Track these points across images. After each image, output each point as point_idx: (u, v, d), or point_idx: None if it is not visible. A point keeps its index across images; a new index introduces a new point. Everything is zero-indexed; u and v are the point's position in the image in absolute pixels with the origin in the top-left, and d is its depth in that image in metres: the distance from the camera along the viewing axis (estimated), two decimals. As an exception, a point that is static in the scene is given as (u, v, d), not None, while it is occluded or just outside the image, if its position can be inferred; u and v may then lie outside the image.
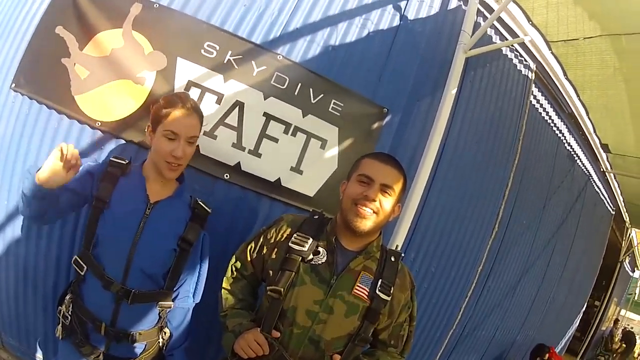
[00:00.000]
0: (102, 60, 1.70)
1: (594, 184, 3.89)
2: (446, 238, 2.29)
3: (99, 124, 1.69)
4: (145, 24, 1.72)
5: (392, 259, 1.27)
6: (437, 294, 2.39)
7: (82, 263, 1.25)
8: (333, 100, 1.80)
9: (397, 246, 1.35)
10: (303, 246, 1.20)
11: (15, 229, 1.75)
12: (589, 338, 6.24)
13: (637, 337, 8.26)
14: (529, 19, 2.43)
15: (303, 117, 1.76)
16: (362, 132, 1.86)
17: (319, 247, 1.22)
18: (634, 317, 12.99)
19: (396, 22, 2.03)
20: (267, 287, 1.20)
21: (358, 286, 1.18)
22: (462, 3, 2.29)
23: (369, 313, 1.18)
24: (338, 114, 1.81)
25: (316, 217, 1.29)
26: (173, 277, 1.32)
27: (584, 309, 5.22)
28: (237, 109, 1.70)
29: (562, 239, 3.56)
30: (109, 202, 1.25)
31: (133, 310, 1.27)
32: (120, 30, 1.72)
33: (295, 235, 1.23)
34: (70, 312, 1.28)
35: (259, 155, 1.72)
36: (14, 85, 1.73)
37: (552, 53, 2.65)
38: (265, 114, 1.73)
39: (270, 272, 1.24)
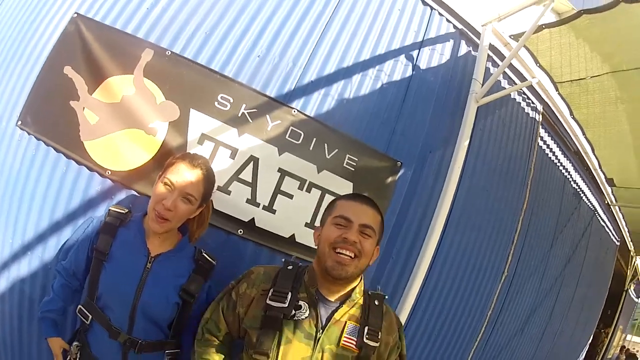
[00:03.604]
0: (112, 107, 1.70)
1: (599, 218, 4.00)
2: (457, 286, 2.34)
3: (109, 172, 1.68)
4: (156, 72, 1.74)
5: (376, 302, 1.27)
6: (447, 340, 2.43)
7: (86, 312, 1.30)
8: (347, 155, 1.85)
9: (378, 288, 1.34)
10: (283, 302, 1.17)
11: (20, 268, 1.74)
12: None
13: (640, 360, 8.31)
14: (536, 61, 2.51)
15: (318, 172, 1.81)
16: (377, 186, 1.91)
17: (300, 301, 1.19)
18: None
19: (409, 72, 2.11)
20: (252, 351, 1.16)
21: (345, 337, 1.18)
22: (471, 49, 2.39)
23: None
24: (352, 169, 1.86)
25: (290, 267, 1.26)
26: (177, 327, 1.38)
27: (590, 340, 5.27)
28: (251, 164, 1.74)
29: (569, 275, 3.64)
30: (108, 255, 1.30)
31: (141, 359, 1.32)
32: (131, 77, 1.73)
33: (272, 291, 1.19)
34: (77, 358, 1.32)
35: (274, 212, 1.76)
36: (20, 123, 1.74)
37: (558, 93, 2.74)
38: (280, 170, 1.77)
39: (251, 333, 1.20)
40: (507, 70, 2.49)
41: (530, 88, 2.70)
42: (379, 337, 1.20)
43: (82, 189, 1.70)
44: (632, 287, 6.45)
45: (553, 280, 3.34)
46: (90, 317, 1.30)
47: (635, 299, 8.47)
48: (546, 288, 3.27)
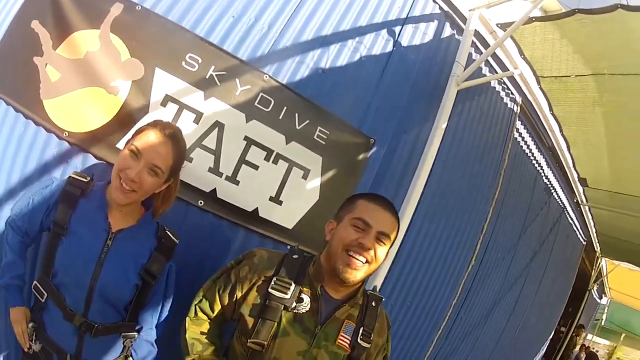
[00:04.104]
0: (75, 63, 1.59)
1: (567, 216, 4.10)
2: (424, 271, 2.34)
3: (67, 134, 1.57)
4: (124, 28, 1.62)
5: (373, 304, 1.27)
6: (412, 326, 2.45)
7: (42, 290, 1.21)
8: (319, 128, 1.79)
9: (375, 287, 1.35)
10: (285, 293, 1.15)
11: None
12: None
13: (600, 360, 8.74)
14: (521, 53, 2.50)
15: (286, 143, 1.74)
16: (347, 163, 1.86)
17: (302, 294, 1.17)
18: (602, 341, 13.78)
19: (389, 47, 2.05)
20: (247, 340, 1.14)
21: (342, 336, 1.18)
22: (455, 32, 2.35)
23: None
24: (323, 143, 1.80)
25: (296, 256, 1.24)
26: (135, 309, 1.30)
27: (551, 335, 5.48)
28: (216, 130, 1.65)
29: (535, 269, 3.73)
30: (67, 229, 1.20)
31: (97, 342, 1.25)
32: (97, 32, 1.61)
33: (275, 280, 1.17)
34: (34, 341, 1.24)
35: (237, 183, 1.68)
36: None
37: (540, 88, 2.75)
38: (246, 138, 1.69)
39: (248, 319, 1.17)
40: (490, 58, 2.47)
41: (511, 79, 2.70)
42: (371, 338, 1.21)
43: (39, 152, 1.58)
44: (595, 288, 6.72)
45: (518, 273, 3.42)
46: (46, 295, 1.21)
47: (598, 300, 8.88)
48: (511, 280, 3.34)
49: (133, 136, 1.26)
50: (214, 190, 1.65)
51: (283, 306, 1.14)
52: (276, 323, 1.13)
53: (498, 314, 3.44)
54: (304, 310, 1.16)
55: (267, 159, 1.71)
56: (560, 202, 3.81)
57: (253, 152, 1.69)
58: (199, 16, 1.70)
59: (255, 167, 1.70)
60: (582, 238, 4.83)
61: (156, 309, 1.36)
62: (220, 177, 1.66)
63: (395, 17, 2.10)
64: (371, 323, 1.23)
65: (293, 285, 1.16)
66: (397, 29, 2.09)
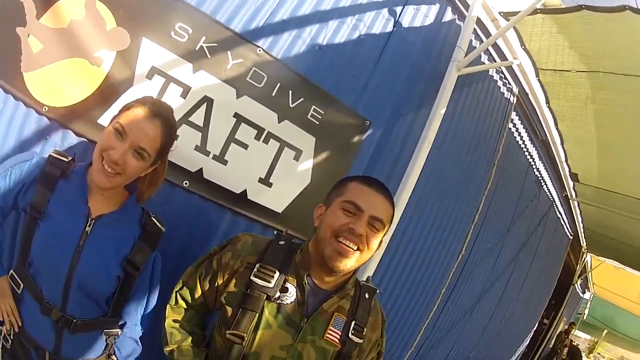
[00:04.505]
0: (58, 33, 1.47)
1: (556, 209, 4.14)
2: (414, 260, 2.33)
3: (46, 109, 1.47)
4: None
5: (367, 295, 1.18)
6: (400, 314, 2.45)
7: (18, 280, 1.12)
8: (313, 107, 1.72)
9: (368, 278, 1.27)
10: (268, 281, 1.07)
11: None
12: (537, 355, 6.73)
13: (582, 354, 9.02)
14: (522, 43, 2.47)
15: (278, 122, 1.67)
16: (341, 144, 1.80)
17: (287, 283, 1.09)
18: (583, 335, 14.22)
19: (389, 27, 1.98)
20: (226, 331, 1.06)
21: (331, 330, 1.09)
22: (456, 16, 2.30)
23: (339, 357, 1.10)
24: (317, 123, 1.74)
25: (282, 242, 1.15)
26: (117, 303, 1.21)
27: (535, 327, 5.61)
28: (204, 105, 1.56)
29: (521, 261, 3.78)
30: (44, 212, 1.10)
31: (77, 339, 1.17)
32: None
33: (258, 266, 1.08)
34: (11, 335, 1.15)
35: (225, 162, 1.60)
36: None
37: (538, 80, 2.72)
38: (236, 115, 1.61)
39: (228, 308, 1.09)
40: (490, 47, 2.43)
41: (509, 69, 2.67)
42: (364, 333, 1.13)
43: (18, 128, 1.48)
44: (579, 282, 6.89)
45: (506, 264, 3.46)
46: (22, 285, 1.11)
47: (581, 294, 9.12)
48: (499, 271, 3.38)
49: (119, 113, 1.15)
50: (200, 170, 1.57)
51: (266, 296, 1.06)
52: (257, 314, 1.05)
53: (485, 305, 3.48)
54: (288, 301, 1.08)
55: (257, 137, 1.64)
56: (549, 195, 3.85)
57: (243, 130, 1.61)
58: (190, -17, 1.60)
59: (245, 147, 1.62)
60: (569, 232, 4.91)
61: (140, 303, 1.27)
62: (207, 156, 1.58)
63: (397, -4, 2.03)
64: (364, 316, 1.14)
65: (277, 273, 1.08)
66: (398, 9, 2.02)
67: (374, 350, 1.22)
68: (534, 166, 3.34)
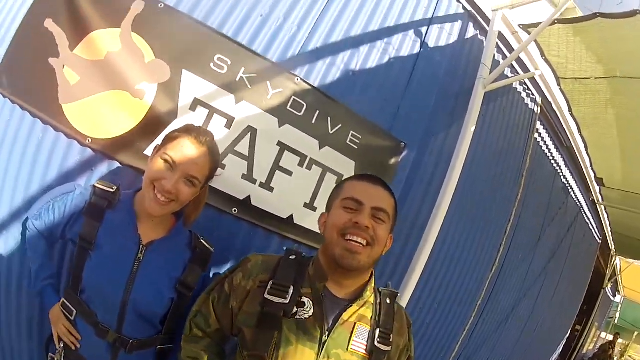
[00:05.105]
0: (95, 65, 1.54)
1: (584, 215, 4.13)
2: (450, 275, 2.36)
3: (90, 140, 1.53)
4: (147, 27, 1.58)
5: (388, 301, 1.17)
6: (438, 328, 2.47)
7: (70, 307, 1.17)
8: (351, 132, 1.78)
9: (387, 283, 1.26)
10: (284, 298, 1.05)
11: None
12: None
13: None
14: (542, 54, 2.51)
15: (320, 148, 1.73)
16: (379, 167, 1.85)
17: (303, 297, 1.07)
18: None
19: (417, 49, 2.05)
20: (246, 353, 1.06)
21: (355, 341, 1.07)
22: (478, 32, 2.35)
23: None
24: (356, 147, 1.79)
25: (293, 257, 1.15)
26: (171, 322, 1.26)
27: (567, 334, 5.53)
28: (248, 135, 1.63)
29: (552, 269, 3.77)
30: (95, 243, 1.15)
31: (132, 357, 1.21)
32: (117, 31, 1.57)
33: (271, 284, 1.07)
34: (65, 356, 1.20)
35: (271, 190, 1.67)
36: None
37: (560, 89, 2.76)
38: (279, 143, 1.67)
39: (246, 331, 1.08)
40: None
41: (532, 79, 2.71)
42: (391, 340, 1.11)
43: (60, 160, 1.54)
44: (609, 286, 6.78)
45: (538, 273, 3.44)
46: (75, 312, 1.16)
47: (612, 298, 8.95)
48: (531, 280, 3.36)
49: (164, 143, 1.21)
50: (248, 197, 1.64)
51: (282, 312, 1.04)
52: (277, 332, 1.03)
53: (518, 314, 3.47)
54: (306, 316, 1.05)
55: (300, 164, 1.70)
56: (577, 201, 3.84)
57: (287, 157, 1.68)
58: (225, 15, 1.68)
59: (290, 173, 1.69)
60: (598, 237, 4.88)
61: None
62: (254, 184, 1.64)
63: (422, 17, 2.10)
64: (389, 323, 1.12)
65: (292, 288, 1.06)
66: (423, 29, 2.09)
67: (404, 356, 1.20)
68: (560, 173, 3.35)
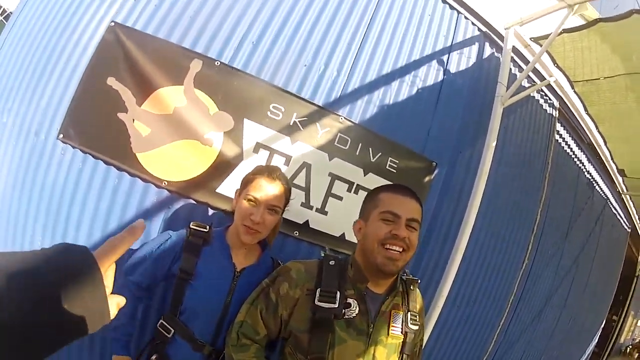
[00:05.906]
0: (165, 118, 1.78)
1: (611, 206, 4.28)
2: (482, 277, 2.63)
3: (166, 183, 1.78)
4: (207, 83, 1.83)
5: (412, 287, 1.36)
6: (477, 322, 2.74)
7: (169, 327, 1.38)
8: (390, 158, 2.09)
9: (406, 272, 1.43)
10: (333, 303, 1.19)
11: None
12: (607, 353, 6.67)
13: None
14: (554, 62, 2.74)
15: (364, 175, 2.05)
16: (415, 186, 2.12)
17: (348, 299, 1.22)
18: None
19: (440, 77, 2.33)
20: (306, 356, 1.19)
21: (393, 326, 1.25)
22: (494, 50, 2.60)
23: (403, 346, 1.27)
24: (394, 171, 2.10)
25: (332, 262, 1.28)
26: None
27: (603, 325, 5.61)
28: (304, 170, 1.96)
29: (583, 262, 3.95)
30: (194, 274, 1.37)
31: None
32: (181, 88, 1.81)
33: (319, 291, 1.21)
34: None
35: (326, 213, 2.00)
36: (62, 136, 1.81)
37: (574, 92, 2.97)
38: (330, 174, 2.00)
39: (300, 336, 1.21)
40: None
41: (548, 85, 2.92)
42: (417, 320, 1.31)
43: (137, 201, 1.80)
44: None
45: (568, 268, 3.64)
46: (173, 331, 1.36)
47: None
48: (562, 274, 3.56)
49: (244, 186, 1.43)
50: (307, 221, 1.97)
51: (333, 315, 1.18)
52: (330, 333, 1.18)
53: (551, 308, 3.66)
54: (353, 314, 1.20)
55: (349, 190, 2.02)
56: (603, 194, 4.01)
57: (337, 185, 2.00)
58: (275, 68, 1.99)
59: (340, 199, 2.01)
60: (627, 225, 4.99)
61: None
62: (311, 209, 1.97)
63: (442, 46, 2.38)
64: (415, 307, 1.32)
65: (338, 293, 1.20)
66: (445, 57, 2.37)
67: (422, 332, 1.41)
68: (584, 169, 3.54)
